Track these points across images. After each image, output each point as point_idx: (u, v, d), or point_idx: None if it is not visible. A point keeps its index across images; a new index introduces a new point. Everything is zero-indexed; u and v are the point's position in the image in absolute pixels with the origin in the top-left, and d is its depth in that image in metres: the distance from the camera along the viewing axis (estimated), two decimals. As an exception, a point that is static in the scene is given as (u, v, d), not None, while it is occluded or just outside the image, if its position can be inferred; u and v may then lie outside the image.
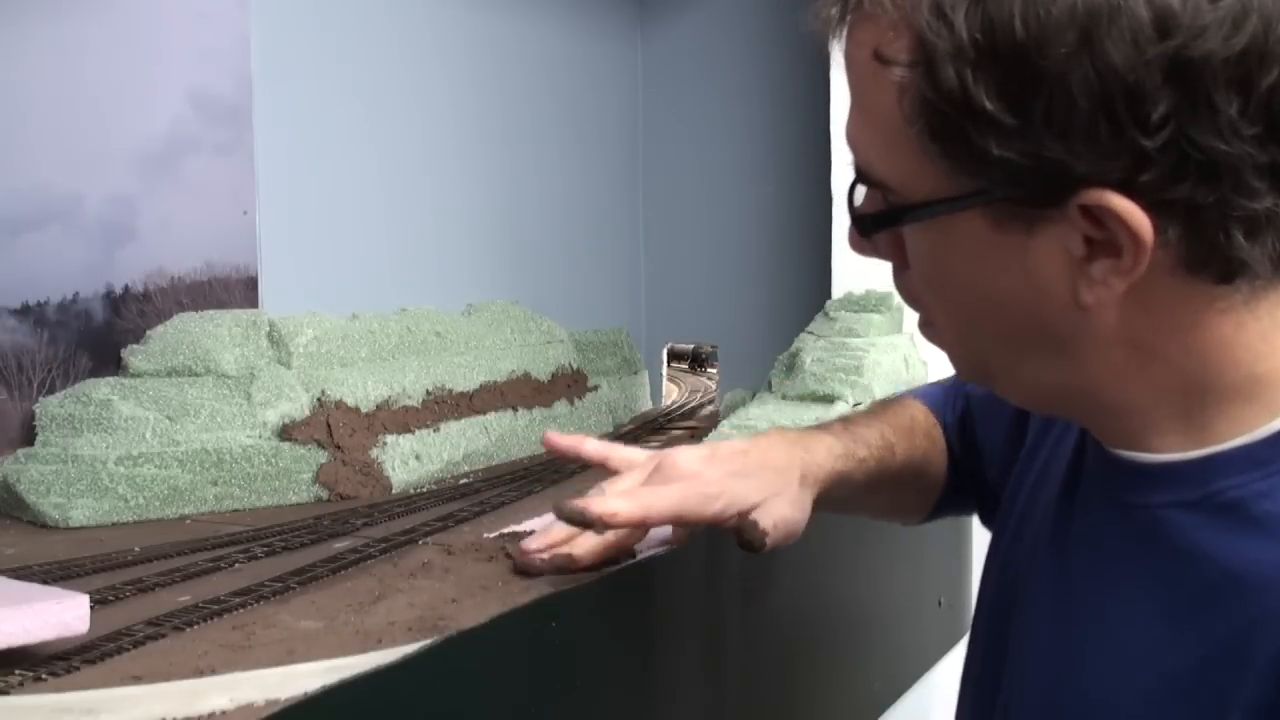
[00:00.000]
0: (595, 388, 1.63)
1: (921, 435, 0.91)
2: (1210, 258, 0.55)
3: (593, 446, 0.83)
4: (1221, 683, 0.56)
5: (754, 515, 0.75)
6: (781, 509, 0.76)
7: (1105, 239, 0.54)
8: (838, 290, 1.65)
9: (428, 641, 0.63)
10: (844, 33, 0.59)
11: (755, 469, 0.78)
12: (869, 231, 0.63)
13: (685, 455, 0.78)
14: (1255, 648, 0.54)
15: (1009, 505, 0.78)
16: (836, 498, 0.83)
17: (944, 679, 1.51)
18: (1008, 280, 0.58)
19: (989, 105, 0.53)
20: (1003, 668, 0.71)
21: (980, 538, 1.65)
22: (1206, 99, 0.51)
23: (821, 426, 0.88)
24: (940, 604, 1.52)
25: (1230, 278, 0.56)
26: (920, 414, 0.93)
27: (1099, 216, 0.54)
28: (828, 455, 0.82)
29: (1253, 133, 0.52)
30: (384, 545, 0.91)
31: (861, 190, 0.63)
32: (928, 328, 0.66)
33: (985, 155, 0.54)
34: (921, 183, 0.58)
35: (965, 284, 0.60)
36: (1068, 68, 0.51)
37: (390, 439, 1.22)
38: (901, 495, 0.92)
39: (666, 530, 0.85)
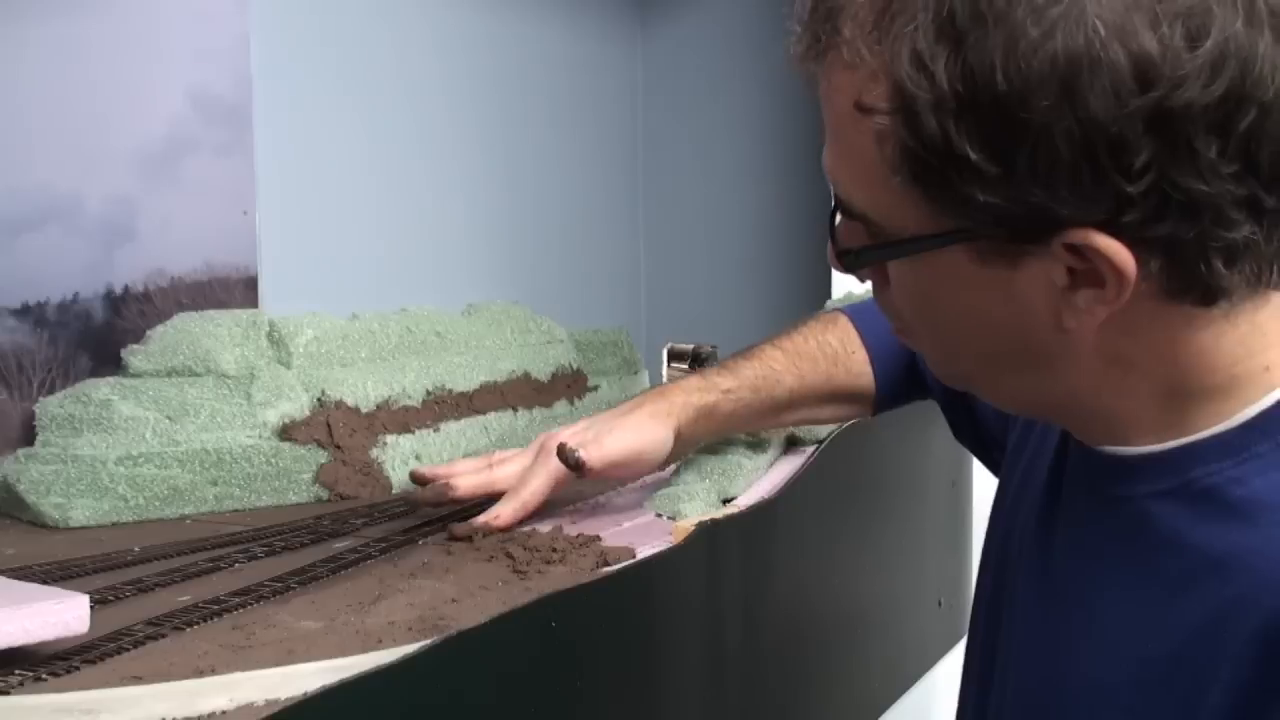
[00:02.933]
0: (595, 388, 1.62)
1: (825, 360, 1.00)
2: (1191, 285, 0.56)
3: (467, 484, 0.97)
4: (1200, 664, 0.57)
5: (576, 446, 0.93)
6: (616, 438, 0.94)
7: (1088, 270, 0.55)
8: (838, 290, 1.65)
9: (428, 641, 0.63)
10: (819, 69, 0.60)
11: (606, 418, 0.97)
12: (853, 268, 0.64)
13: (568, 429, 0.96)
14: (1231, 629, 0.56)
15: (999, 502, 0.79)
16: (719, 425, 1.00)
17: (944, 679, 1.51)
18: (990, 307, 0.59)
19: (972, 154, 0.53)
20: (995, 664, 0.72)
21: (980, 538, 1.65)
22: (1187, 145, 0.52)
23: (699, 371, 1.04)
24: (940, 604, 1.52)
25: (1211, 302, 0.57)
26: (836, 340, 1.00)
27: (1083, 253, 0.55)
28: (682, 393, 0.98)
29: (1231, 170, 0.52)
30: (384, 545, 0.91)
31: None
32: (906, 335, 0.67)
33: (969, 200, 0.55)
34: (903, 220, 0.58)
35: (947, 308, 0.61)
36: (1050, 119, 0.52)
37: (390, 439, 1.22)
38: (818, 409, 1.03)
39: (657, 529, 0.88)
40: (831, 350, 1.00)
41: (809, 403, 1.01)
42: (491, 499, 0.97)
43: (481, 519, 0.93)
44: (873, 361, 1.00)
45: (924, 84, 0.53)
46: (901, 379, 1.00)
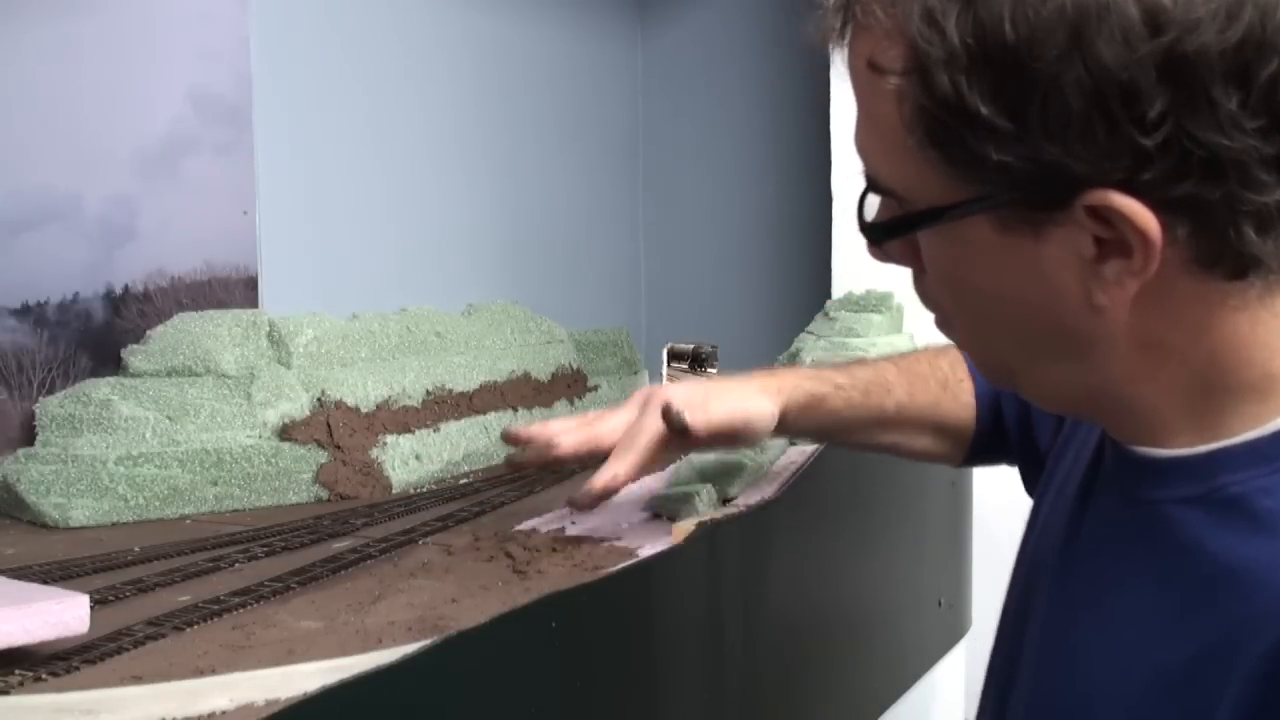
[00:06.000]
0: (595, 388, 1.63)
1: (936, 384, 0.95)
2: (1221, 254, 0.54)
3: (570, 442, 0.92)
4: (1211, 679, 0.56)
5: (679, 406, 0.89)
6: (720, 400, 0.90)
7: (1115, 239, 0.54)
8: (838, 290, 1.66)
9: (428, 641, 0.63)
10: (845, 43, 0.60)
11: (717, 383, 0.94)
12: (877, 240, 0.63)
13: (674, 388, 0.93)
14: (1245, 645, 0.54)
15: (1038, 504, 0.78)
16: (824, 420, 0.95)
17: (944, 679, 1.51)
18: (1021, 284, 0.58)
19: (984, 110, 0.53)
20: (1018, 665, 0.71)
21: (980, 538, 1.65)
22: (1205, 94, 0.50)
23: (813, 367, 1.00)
24: (940, 604, 1.52)
25: (1243, 273, 0.55)
26: (947, 365, 0.96)
27: (1106, 217, 0.54)
28: (794, 376, 0.94)
29: (1256, 125, 0.51)
30: (384, 545, 0.91)
31: (874, 199, 0.63)
32: (946, 326, 0.66)
33: (985, 160, 0.54)
34: (926, 190, 0.58)
35: (979, 288, 0.60)
36: (1060, 69, 0.51)
37: (390, 439, 1.22)
38: (918, 437, 0.97)
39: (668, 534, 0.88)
40: (942, 374, 0.96)
41: (911, 426, 0.97)
42: (595, 458, 0.93)
43: (600, 481, 0.89)
44: (977, 396, 0.97)
45: (935, 40, 0.53)
46: (994, 425, 0.96)
